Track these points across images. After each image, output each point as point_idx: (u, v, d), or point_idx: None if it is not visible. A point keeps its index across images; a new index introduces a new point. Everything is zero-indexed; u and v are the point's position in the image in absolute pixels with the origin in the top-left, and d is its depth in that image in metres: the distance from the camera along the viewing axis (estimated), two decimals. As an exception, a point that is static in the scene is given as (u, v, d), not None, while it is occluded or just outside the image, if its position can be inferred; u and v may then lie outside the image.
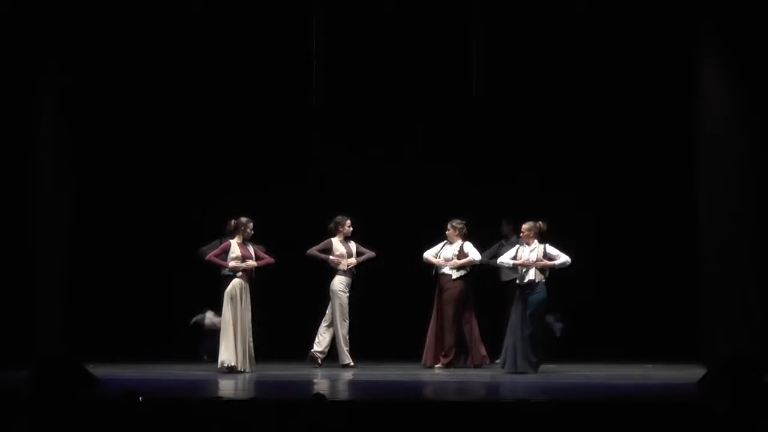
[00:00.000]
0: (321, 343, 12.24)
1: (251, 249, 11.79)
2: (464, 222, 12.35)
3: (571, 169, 13.59)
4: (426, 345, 12.24)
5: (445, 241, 12.40)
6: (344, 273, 12.29)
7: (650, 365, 12.17)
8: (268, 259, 11.85)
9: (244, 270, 11.63)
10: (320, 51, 12.47)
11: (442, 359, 12.17)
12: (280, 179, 13.53)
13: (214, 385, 10.53)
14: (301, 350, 12.23)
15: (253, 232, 11.78)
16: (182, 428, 7.19)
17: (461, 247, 12.23)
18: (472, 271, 12.29)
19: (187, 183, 13.58)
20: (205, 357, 12.98)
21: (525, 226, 11.67)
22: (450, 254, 12.27)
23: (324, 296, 12.28)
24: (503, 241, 13.05)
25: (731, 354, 9.53)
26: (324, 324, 12.31)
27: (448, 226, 12.36)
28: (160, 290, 13.35)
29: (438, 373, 11.85)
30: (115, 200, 13.47)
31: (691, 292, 12.28)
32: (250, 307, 11.60)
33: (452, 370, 11.99)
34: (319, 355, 12.28)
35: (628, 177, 13.50)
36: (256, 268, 11.72)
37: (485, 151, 13.64)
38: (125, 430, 6.41)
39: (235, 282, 11.59)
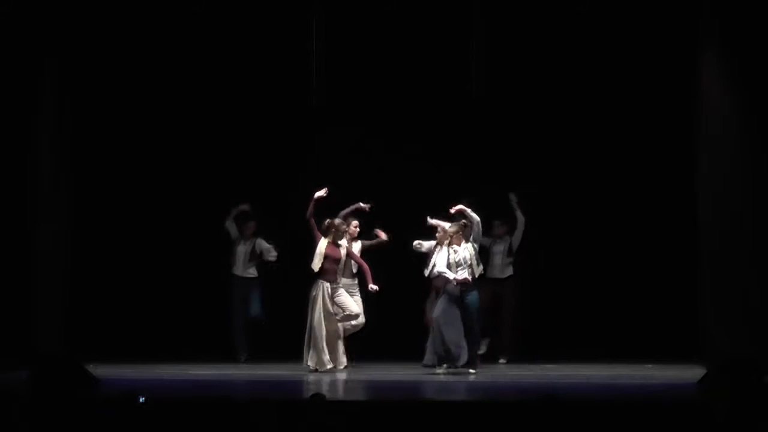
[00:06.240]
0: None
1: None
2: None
3: (571, 170, 13.57)
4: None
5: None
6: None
7: (650, 365, 12.16)
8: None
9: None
10: (320, 51, 12.46)
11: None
12: (279, 179, 13.51)
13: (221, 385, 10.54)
14: (301, 350, 12.20)
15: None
16: (182, 428, 7.20)
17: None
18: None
19: (186, 182, 13.56)
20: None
21: (452, 230, 11.63)
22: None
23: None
24: (497, 241, 13.07)
25: (731, 354, 9.56)
26: (325, 324, 12.32)
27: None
28: (161, 290, 13.35)
29: (437, 373, 11.83)
30: (115, 200, 13.46)
31: (691, 292, 12.27)
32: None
33: (452, 370, 11.96)
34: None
35: (628, 177, 13.47)
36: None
37: (485, 152, 13.62)
38: (125, 431, 6.41)
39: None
